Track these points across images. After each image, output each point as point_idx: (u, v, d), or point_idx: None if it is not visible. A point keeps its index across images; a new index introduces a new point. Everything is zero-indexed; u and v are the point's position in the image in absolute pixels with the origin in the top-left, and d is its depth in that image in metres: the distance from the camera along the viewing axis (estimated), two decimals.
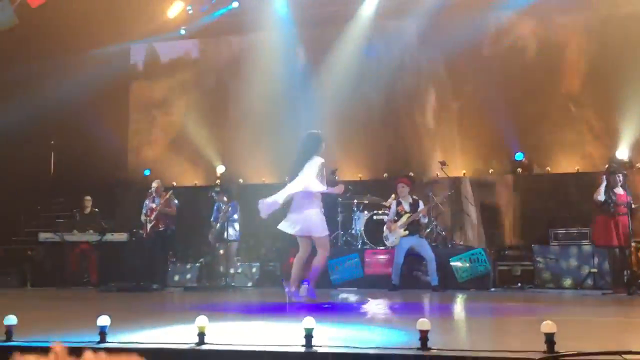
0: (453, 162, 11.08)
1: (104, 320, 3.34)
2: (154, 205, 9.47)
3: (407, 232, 8.49)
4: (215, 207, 9.87)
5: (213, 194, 9.97)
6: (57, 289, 9.16)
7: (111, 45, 11.98)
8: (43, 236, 9.90)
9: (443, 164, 9.83)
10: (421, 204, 8.62)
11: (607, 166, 8.63)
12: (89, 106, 11.25)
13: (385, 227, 8.85)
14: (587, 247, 8.85)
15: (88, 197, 10.41)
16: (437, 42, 11.46)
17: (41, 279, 9.77)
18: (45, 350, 3.21)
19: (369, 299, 7.11)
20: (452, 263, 8.95)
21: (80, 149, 11.46)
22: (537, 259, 9.10)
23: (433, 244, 9.00)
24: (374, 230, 9.51)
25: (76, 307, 6.69)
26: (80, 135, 11.32)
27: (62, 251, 9.91)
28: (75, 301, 7.46)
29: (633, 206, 7.91)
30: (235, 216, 9.74)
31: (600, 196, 7.84)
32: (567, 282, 8.89)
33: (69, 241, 9.91)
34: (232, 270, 9.63)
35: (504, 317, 5.35)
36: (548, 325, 2.89)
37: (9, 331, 3.38)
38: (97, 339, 3.28)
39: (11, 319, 3.41)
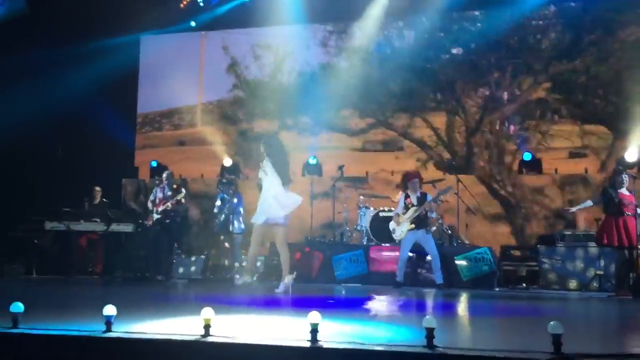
0: (460, 160, 11.11)
1: (110, 310, 3.34)
2: (161, 196, 9.48)
3: (413, 225, 8.44)
4: (219, 198, 9.86)
5: (219, 185, 9.98)
6: (63, 278, 9.20)
7: (122, 36, 11.99)
8: (49, 225, 9.94)
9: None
10: (429, 197, 8.59)
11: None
12: (98, 96, 11.27)
13: (392, 221, 8.83)
14: (593, 249, 8.80)
15: (98, 188, 10.46)
16: (445, 42, 11.47)
17: (47, 267, 9.81)
18: (50, 339, 3.22)
19: (374, 295, 7.10)
20: (456, 261, 8.93)
21: (88, 139, 11.49)
22: (543, 259, 9.06)
23: (438, 242, 8.98)
24: (380, 227, 9.48)
25: (82, 295, 6.71)
26: (89, 125, 11.34)
27: (69, 240, 9.96)
28: (80, 290, 7.49)
29: (639, 210, 7.85)
30: (241, 209, 9.74)
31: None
32: (573, 283, 8.84)
33: (75, 230, 9.95)
34: (236, 264, 9.64)
35: (510, 317, 5.33)
36: (555, 326, 2.87)
37: (15, 319, 3.39)
38: (103, 328, 3.28)
39: (18, 307, 3.42)
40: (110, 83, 11.36)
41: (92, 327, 3.32)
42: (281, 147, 7.21)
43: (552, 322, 2.89)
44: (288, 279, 6.93)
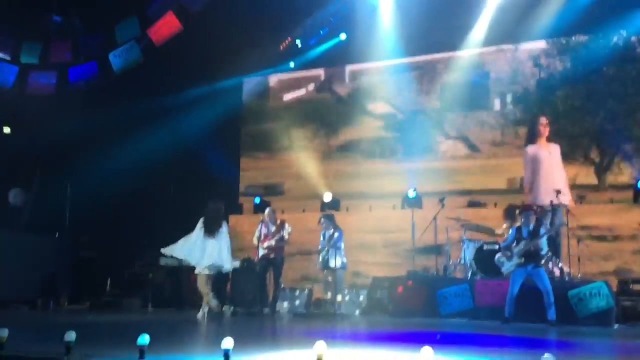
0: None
1: (228, 343, 3.48)
2: (265, 232, 9.76)
3: (523, 259, 8.15)
4: (322, 235, 10.00)
5: (321, 221, 10.11)
6: (176, 311, 9.63)
7: (226, 80, 12.65)
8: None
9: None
10: (542, 230, 8.26)
11: None
12: (205, 138, 11.90)
13: (500, 254, 8.56)
14: None
15: None
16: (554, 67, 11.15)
17: (161, 300, 10.33)
18: None
19: (483, 331, 6.89)
20: (570, 297, 8.47)
21: (198, 178, 12.11)
22: None
23: (549, 276, 8.58)
24: (485, 260, 9.21)
25: (197, 328, 7.00)
26: (198, 165, 11.97)
27: (181, 275, 10.45)
28: (194, 323, 7.80)
29: None
30: (342, 244, 9.81)
31: None
32: None
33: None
34: (339, 298, 9.68)
35: (636, 357, 4.99)
36: None
37: (142, 351, 3.60)
38: None
39: (144, 339, 3.63)
40: (216, 124, 11.98)
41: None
42: (213, 210, 8.85)
43: None
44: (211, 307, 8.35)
